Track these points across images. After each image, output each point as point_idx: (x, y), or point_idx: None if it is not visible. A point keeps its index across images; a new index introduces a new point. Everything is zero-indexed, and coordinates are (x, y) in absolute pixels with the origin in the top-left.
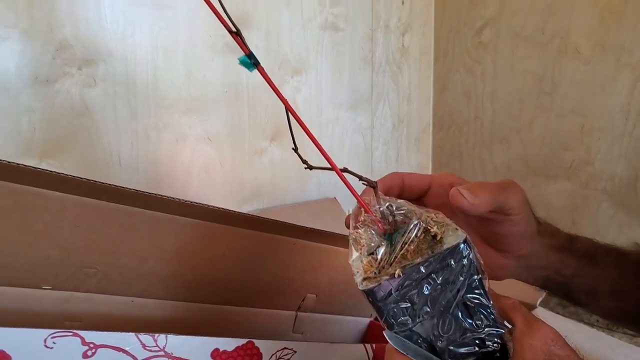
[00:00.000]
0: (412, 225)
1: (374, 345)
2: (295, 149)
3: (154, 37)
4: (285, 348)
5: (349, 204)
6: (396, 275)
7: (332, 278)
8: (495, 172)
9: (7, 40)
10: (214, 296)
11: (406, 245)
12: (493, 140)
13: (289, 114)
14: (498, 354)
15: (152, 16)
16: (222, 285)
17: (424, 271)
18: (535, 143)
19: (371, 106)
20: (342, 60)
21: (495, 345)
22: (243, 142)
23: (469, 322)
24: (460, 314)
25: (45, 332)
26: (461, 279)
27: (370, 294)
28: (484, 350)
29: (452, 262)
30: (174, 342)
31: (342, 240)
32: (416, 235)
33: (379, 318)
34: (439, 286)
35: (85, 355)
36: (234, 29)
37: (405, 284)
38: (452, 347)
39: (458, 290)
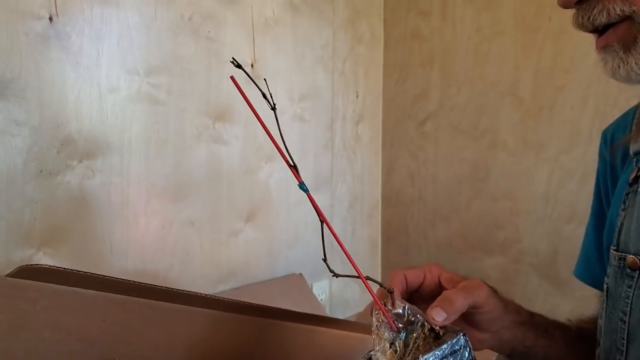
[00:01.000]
0: (419, 325)
1: None
2: (325, 259)
3: (148, 130)
4: None
5: (312, 278)
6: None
7: (315, 358)
8: (438, 247)
9: (17, 136)
10: None
11: (418, 340)
12: (435, 218)
13: (324, 225)
14: None
15: (147, 111)
16: None
17: (439, 355)
18: (472, 222)
19: (331, 186)
20: (307, 147)
21: None
22: (221, 224)
23: None
24: None
25: None
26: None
27: None
28: None
29: (458, 349)
30: None
31: (322, 321)
32: (423, 332)
33: None
34: None
35: None
36: (292, 164)
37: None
38: None
39: None
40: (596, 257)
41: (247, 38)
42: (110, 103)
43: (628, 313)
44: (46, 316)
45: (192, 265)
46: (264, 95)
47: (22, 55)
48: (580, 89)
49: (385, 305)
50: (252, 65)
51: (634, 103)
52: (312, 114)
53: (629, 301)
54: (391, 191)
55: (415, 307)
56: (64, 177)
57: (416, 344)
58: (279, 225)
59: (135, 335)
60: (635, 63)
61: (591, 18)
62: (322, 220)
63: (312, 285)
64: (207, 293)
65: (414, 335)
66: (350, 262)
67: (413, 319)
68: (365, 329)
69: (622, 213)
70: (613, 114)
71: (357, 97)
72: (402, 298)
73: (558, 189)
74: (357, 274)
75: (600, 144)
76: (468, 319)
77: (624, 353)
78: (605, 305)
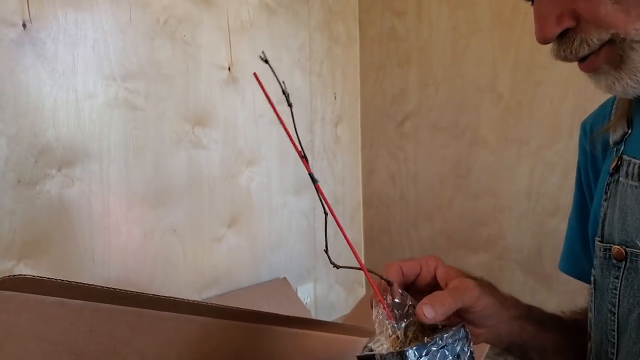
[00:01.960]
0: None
1: None
2: (326, 250)
3: (126, 136)
4: None
5: (297, 282)
6: (425, 341)
7: None
8: (422, 246)
9: None
10: None
11: (417, 332)
12: (418, 218)
13: (327, 216)
14: None
15: (125, 117)
16: None
17: (440, 343)
18: (455, 220)
19: (312, 190)
20: (287, 150)
21: None
22: (204, 231)
23: None
24: None
25: None
26: (465, 351)
27: (403, 355)
28: None
29: (457, 339)
30: None
31: (311, 324)
32: (422, 323)
33: None
34: (450, 357)
35: None
36: (304, 155)
37: (428, 352)
38: None
39: None
40: (581, 249)
41: (224, 41)
42: (87, 110)
43: (617, 304)
44: (31, 328)
45: (175, 273)
46: (284, 92)
47: None
48: (559, 83)
49: (385, 298)
50: (229, 69)
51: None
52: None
53: (617, 292)
54: (372, 192)
55: (412, 299)
56: (42, 186)
57: (415, 334)
58: (262, 230)
59: (123, 345)
60: (630, 78)
61: (573, 51)
62: (328, 211)
63: (296, 289)
64: (200, 301)
65: (414, 325)
66: (354, 253)
67: (412, 311)
68: (353, 330)
69: (605, 203)
70: (592, 108)
71: (335, 98)
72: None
73: (540, 184)
74: (358, 266)
75: (580, 136)
76: (462, 316)
77: (615, 345)
78: (593, 297)
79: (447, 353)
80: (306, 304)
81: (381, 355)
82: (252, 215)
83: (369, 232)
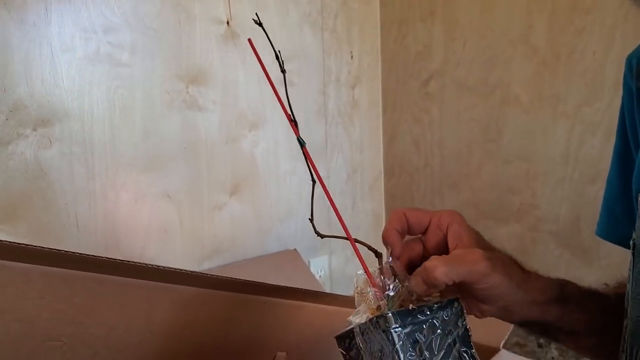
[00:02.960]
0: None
1: None
2: (311, 220)
3: (111, 94)
4: None
5: (310, 254)
6: (410, 307)
7: (301, 334)
8: None
9: None
10: None
11: (405, 302)
12: (443, 187)
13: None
14: None
15: (108, 74)
16: (194, 349)
17: (429, 314)
18: (483, 188)
19: (326, 157)
20: (296, 114)
21: None
22: (202, 198)
23: None
24: None
25: None
26: (459, 326)
27: (383, 320)
28: None
29: (450, 312)
30: None
31: (310, 296)
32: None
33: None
34: (439, 330)
35: None
36: (293, 119)
37: (414, 320)
38: None
39: (455, 341)
40: (621, 209)
41: None
42: (64, 65)
43: None
44: None
45: (171, 241)
46: (277, 57)
47: None
48: (604, 31)
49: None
50: (227, 23)
51: None
52: (300, 76)
53: None
54: (394, 160)
55: (405, 273)
56: (16, 146)
57: (401, 306)
58: (269, 199)
59: (84, 314)
60: None
61: None
62: (316, 180)
63: (309, 261)
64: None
65: (400, 298)
66: (340, 221)
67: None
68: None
69: None
70: None
71: (351, 57)
72: (401, 240)
73: (579, 147)
74: (345, 236)
75: (625, 72)
76: (464, 290)
77: None
78: (632, 266)
79: (436, 324)
80: (319, 277)
81: (360, 326)
82: (257, 183)
83: (390, 203)
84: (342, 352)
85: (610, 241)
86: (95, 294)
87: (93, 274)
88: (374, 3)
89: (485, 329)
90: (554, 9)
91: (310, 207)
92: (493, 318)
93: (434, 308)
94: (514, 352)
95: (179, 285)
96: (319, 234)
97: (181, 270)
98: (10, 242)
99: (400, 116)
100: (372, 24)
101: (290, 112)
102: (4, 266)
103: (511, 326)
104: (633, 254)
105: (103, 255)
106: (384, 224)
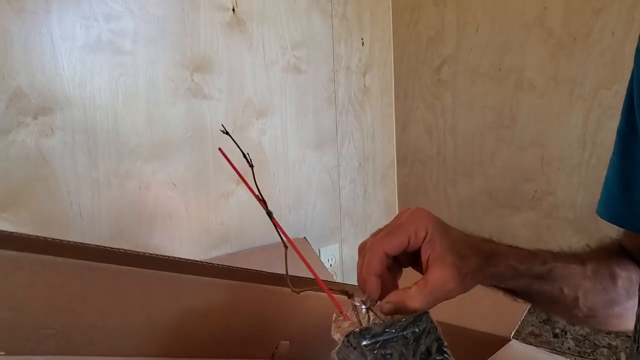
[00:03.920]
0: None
1: None
2: (287, 275)
3: (113, 82)
4: None
5: (320, 243)
6: (381, 320)
7: (305, 322)
8: (461, 206)
9: None
10: (185, 349)
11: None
12: (456, 174)
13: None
14: None
15: (110, 62)
16: (192, 337)
17: (398, 328)
18: (497, 175)
19: (337, 145)
20: (305, 102)
21: None
22: (209, 186)
23: None
24: None
25: None
26: (431, 338)
27: (359, 335)
28: None
29: (420, 326)
30: None
31: (313, 284)
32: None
33: None
34: (411, 342)
35: None
36: (262, 199)
37: (384, 337)
38: None
39: (429, 351)
40: (618, 189)
41: None
42: (65, 53)
43: None
44: None
45: (176, 229)
46: (244, 155)
47: None
48: (623, 10)
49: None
50: (233, 10)
51: None
52: (310, 63)
53: None
54: (406, 148)
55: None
56: (16, 135)
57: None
58: (277, 187)
59: (77, 302)
60: None
61: None
62: (288, 245)
63: (319, 250)
64: (171, 256)
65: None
66: (310, 269)
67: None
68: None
69: None
70: None
71: (362, 44)
72: (379, 285)
73: (596, 131)
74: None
75: (638, 46)
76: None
77: None
78: None
79: (407, 337)
80: (330, 266)
81: (336, 351)
82: (265, 171)
83: (403, 191)
84: None
85: (608, 220)
86: (87, 281)
87: (84, 262)
88: None
89: (495, 319)
90: None
91: (285, 268)
92: (503, 308)
93: (404, 323)
94: (529, 342)
95: (175, 273)
96: (294, 291)
97: (176, 258)
98: (15, 233)
99: (413, 103)
100: (383, 10)
101: (258, 193)
102: None
103: (522, 316)
104: None
105: (94, 244)
106: (396, 213)
